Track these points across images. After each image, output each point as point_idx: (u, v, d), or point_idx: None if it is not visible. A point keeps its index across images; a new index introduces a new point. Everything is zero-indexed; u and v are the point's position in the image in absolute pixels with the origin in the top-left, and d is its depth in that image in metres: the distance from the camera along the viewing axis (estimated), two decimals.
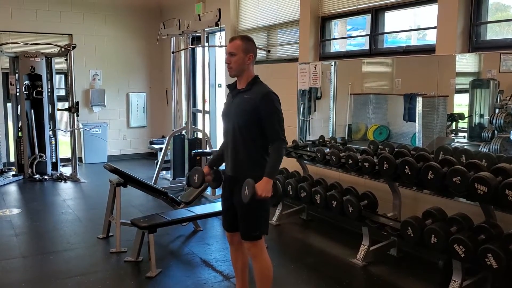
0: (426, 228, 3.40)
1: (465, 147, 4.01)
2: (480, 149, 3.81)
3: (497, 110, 3.67)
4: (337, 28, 5.74)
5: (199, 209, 4.53)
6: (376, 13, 4.89)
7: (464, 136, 4.19)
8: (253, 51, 2.88)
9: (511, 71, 3.59)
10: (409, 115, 4.55)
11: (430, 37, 4.56)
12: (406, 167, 3.56)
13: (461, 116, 4.16)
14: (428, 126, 4.36)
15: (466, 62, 4.11)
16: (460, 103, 4.23)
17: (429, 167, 3.39)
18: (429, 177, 3.38)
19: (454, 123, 4.23)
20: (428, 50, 4.29)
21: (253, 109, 2.78)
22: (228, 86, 3.00)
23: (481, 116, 3.96)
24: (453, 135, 4.26)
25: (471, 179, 3.10)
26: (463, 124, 4.19)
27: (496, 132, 3.68)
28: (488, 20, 3.99)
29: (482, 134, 3.82)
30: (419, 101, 4.38)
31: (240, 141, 2.85)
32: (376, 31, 4.92)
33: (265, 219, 2.92)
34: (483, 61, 3.95)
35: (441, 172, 3.32)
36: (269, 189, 2.74)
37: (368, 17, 5.02)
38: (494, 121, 3.65)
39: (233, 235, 3.05)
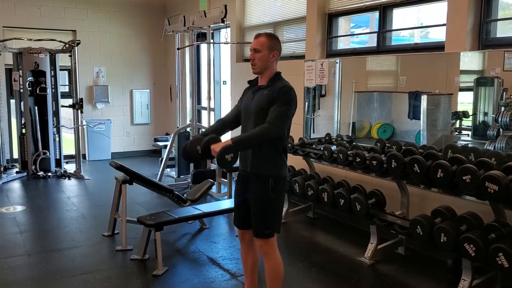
0: (435, 226, 3.37)
1: (470, 145, 3.98)
2: (485, 147, 3.78)
3: (502, 108, 3.65)
4: (341, 25, 5.70)
5: (205, 207, 4.51)
6: (384, 10, 4.85)
7: (468, 134, 4.17)
8: (277, 49, 2.84)
9: None
10: (414, 113, 4.51)
11: (434, 35, 4.53)
12: (415, 165, 3.53)
13: (465, 114, 4.13)
14: (433, 124, 4.34)
15: (470, 61, 4.08)
16: (464, 101, 4.20)
17: (438, 165, 3.36)
18: (438, 176, 3.35)
19: (458, 121, 4.20)
20: (437, 47, 4.26)
21: (271, 104, 2.73)
22: (249, 82, 2.96)
23: (486, 114, 3.94)
24: (457, 133, 4.24)
25: (482, 177, 3.07)
26: (467, 122, 4.16)
27: (501, 130, 3.65)
28: (498, 17, 3.95)
29: (487, 132, 3.79)
30: (424, 99, 4.35)
31: None
32: (384, 28, 4.88)
33: (278, 218, 2.90)
34: (487, 59, 3.92)
35: (450, 170, 3.30)
36: (220, 147, 2.62)
37: (373, 15, 4.99)
38: (499, 119, 3.62)
39: (245, 233, 3.02)
